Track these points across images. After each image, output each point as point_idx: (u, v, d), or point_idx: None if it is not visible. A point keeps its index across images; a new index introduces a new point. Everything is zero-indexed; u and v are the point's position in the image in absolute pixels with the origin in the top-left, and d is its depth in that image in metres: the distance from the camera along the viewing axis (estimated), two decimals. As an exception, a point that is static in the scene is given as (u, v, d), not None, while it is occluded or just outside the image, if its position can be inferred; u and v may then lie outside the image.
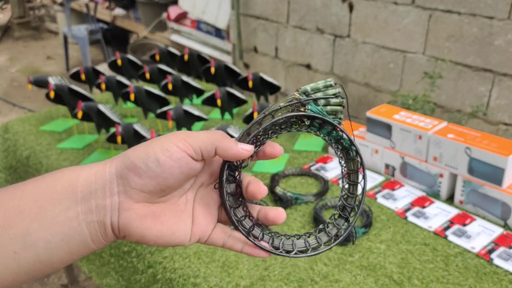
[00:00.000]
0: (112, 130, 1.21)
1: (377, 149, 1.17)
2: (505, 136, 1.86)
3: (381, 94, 2.28)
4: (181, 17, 3.49)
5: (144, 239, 0.40)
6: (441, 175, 1.05)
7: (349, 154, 0.44)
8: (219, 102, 1.32)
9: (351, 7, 2.27)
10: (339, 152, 0.45)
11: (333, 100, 0.43)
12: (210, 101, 1.34)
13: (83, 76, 1.55)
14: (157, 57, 1.68)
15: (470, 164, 1.00)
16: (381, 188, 1.12)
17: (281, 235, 0.46)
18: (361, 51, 2.29)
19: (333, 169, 1.20)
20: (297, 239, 0.46)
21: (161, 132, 1.41)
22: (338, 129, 0.43)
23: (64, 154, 1.32)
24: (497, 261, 0.88)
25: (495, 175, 0.96)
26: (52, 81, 1.40)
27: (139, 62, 1.62)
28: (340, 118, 0.44)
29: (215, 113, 1.52)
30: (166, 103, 1.37)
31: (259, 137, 0.43)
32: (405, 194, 1.09)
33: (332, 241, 0.46)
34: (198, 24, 3.38)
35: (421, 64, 2.07)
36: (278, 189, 1.09)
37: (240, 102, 1.38)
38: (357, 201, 0.46)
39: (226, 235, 0.44)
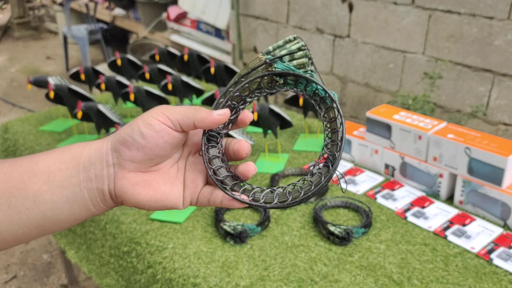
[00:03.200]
0: (112, 130, 1.21)
1: (377, 149, 1.17)
2: (505, 136, 1.86)
3: (381, 94, 2.28)
4: (181, 17, 3.49)
5: (139, 204, 0.46)
6: (440, 175, 1.05)
7: (327, 103, 0.46)
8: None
9: (351, 7, 2.27)
10: (318, 104, 0.46)
11: (298, 54, 0.45)
12: (210, 101, 1.34)
13: (83, 76, 1.55)
14: (157, 57, 1.68)
15: (470, 164, 1.00)
16: (381, 188, 1.12)
17: (264, 189, 0.48)
18: (361, 51, 2.29)
19: (333, 169, 1.20)
20: (281, 190, 0.48)
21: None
22: (309, 79, 0.44)
23: (64, 154, 1.32)
24: (496, 261, 0.88)
25: (494, 175, 0.96)
26: (52, 81, 1.40)
27: (139, 62, 1.62)
28: (311, 71, 0.45)
29: (215, 113, 1.52)
30: (166, 103, 1.37)
31: (235, 103, 0.46)
32: (405, 194, 1.09)
33: (313, 187, 0.46)
34: (198, 24, 3.38)
35: (421, 64, 2.07)
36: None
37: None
38: (337, 149, 0.46)
39: (209, 193, 0.48)
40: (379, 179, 1.16)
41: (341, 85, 2.45)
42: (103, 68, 2.11)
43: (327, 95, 0.45)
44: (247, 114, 0.48)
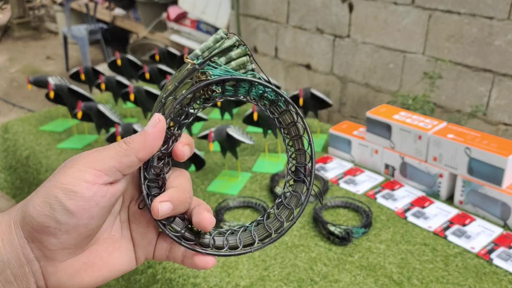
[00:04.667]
0: (112, 130, 1.21)
1: (377, 149, 1.17)
2: (505, 136, 1.86)
3: (381, 94, 2.28)
4: (181, 17, 3.49)
5: (87, 287, 0.36)
6: (440, 175, 1.05)
7: (280, 106, 0.38)
8: (218, 102, 1.32)
9: (351, 7, 2.27)
10: (268, 109, 0.38)
11: (235, 52, 0.36)
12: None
13: (82, 76, 1.55)
14: (157, 57, 1.68)
15: (470, 164, 1.00)
16: (380, 188, 1.12)
17: (236, 230, 0.40)
18: (361, 51, 2.29)
19: (333, 169, 1.20)
20: (256, 226, 0.40)
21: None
22: (255, 82, 0.36)
23: (64, 154, 1.32)
24: (496, 261, 0.88)
25: (494, 175, 0.96)
26: (52, 81, 1.40)
27: (139, 62, 1.62)
28: (252, 70, 0.37)
29: (215, 113, 1.52)
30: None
31: (171, 128, 0.37)
32: (405, 194, 1.09)
33: (295, 212, 0.39)
34: (198, 24, 3.38)
35: (421, 64, 2.07)
36: (278, 189, 1.09)
37: (240, 102, 1.38)
38: (307, 159, 0.38)
39: (167, 250, 0.39)
40: (379, 179, 1.16)
41: (341, 85, 2.45)
42: (103, 68, 2.12)
43: (279, 97, 0.37)
44: (180, 150, 0.37)
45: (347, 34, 2.33)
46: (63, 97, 1.38)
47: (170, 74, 1.50)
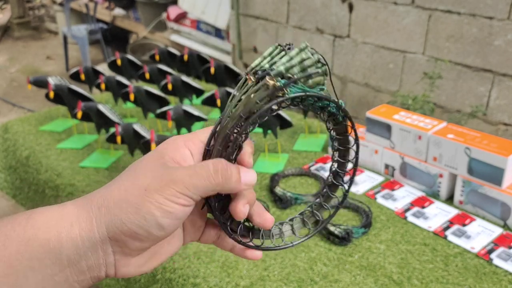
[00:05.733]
0: (112, 130, 1.21)
1: (376, 149, 1.17)
2: (504, 136, 1.86)
3: (381, 94, 2.28)
4: (181, 17, 3.49)
5: (147, 272, 0.41)
6: (440, 175, 1.05)
7: (338, 119, 0.41)
8: (218, 102, 1.32)
9: (351, 7, 2.27)
10: (325, 118, 0.41)
11: (315, 74, 0.38)
12: (210, 101, 1.34)
13: (82, 76, 1.55)
14: (157, 57, 1.68)
15: (470, 164, 1.00)
16: (380, 188, 1.12)
17: (280, 224, 0.44)
18: (361, 51, 2.29)
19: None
20: (293, 223, 0.44)
21: (160, 132, 1.41)
22: (324, 99, 0.38)
23: (64, 154, 1.32)
24: (496, 261, 0.88)
25: (494, 175, 0.96)
26: (52, 81, 1.40)
27: (138, 62, 1.62)
28: (323, 84, 0.39)
29: (215, 113, 1.52)
30: (166, 103, 1.37)
31: (239, 138, 0.39)
32: (405, 194, 1.09)
33: (332, 212, 0.44)
34: (197, 24, 3.38)
35: (421, 64, 2.07)
36: (278, 189, 1.09)
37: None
38: (348, 167, 0.43)
39: (215, 236, 0.43)
40: (379, 179, 1.16)
41: (341, 85, 2.45)
42: (103, 68, 2.12)
43: (339, 112, 0.40)
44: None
45: (347, 34, 2.33)
46: (63, 97, 1.38)
47: (170, 74, 1.50)
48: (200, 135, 0.40)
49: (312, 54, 0.38)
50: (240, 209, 0.39)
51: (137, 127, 1.15)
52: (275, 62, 0.38)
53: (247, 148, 0.41)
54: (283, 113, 1.21)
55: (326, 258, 0.90)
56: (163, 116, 1.24)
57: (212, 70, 1.52)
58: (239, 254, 0.43)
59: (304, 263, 0.89)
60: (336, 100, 0.39)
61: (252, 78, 0.38)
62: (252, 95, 0.37)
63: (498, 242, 0.93)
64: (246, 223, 0.43)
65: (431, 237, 0.96)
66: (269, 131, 1.24)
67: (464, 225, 0.98)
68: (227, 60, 3.11)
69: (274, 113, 0.39)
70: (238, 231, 0.42)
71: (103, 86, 1.45)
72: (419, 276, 0.85)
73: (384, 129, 1.14)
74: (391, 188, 1.11)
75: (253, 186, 0.40)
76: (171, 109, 1.23)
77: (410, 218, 1.01)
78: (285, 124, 1.24)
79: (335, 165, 0.44)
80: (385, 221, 1.01)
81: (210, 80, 1.57)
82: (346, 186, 0.44)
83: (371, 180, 1.15)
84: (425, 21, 2.00)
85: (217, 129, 0.39)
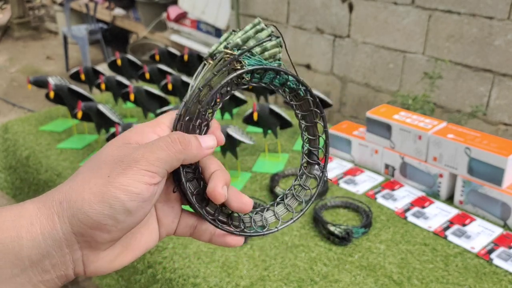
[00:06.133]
0: (112, 130, 1.21)
1: (377, 149, 1.17)
2: (505, 136, 1.86)
3: (381, 94, 2.28)
4: (181, 17, 3.49)
5: (120, 268, 0.38)
6: (440, 175, 1.05)
7: (299, 94, 0.40)
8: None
9: (351, 7, 2.27)
10: (287, 95, 0.41)
11: (270, 44, 0.39)
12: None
13: (83, 76, 1.55)
14: (157, 57, 1.68)
15: (470, 164, 1.00)
16: (380, 188, 1.12)
17: (258, 209, 0.42)
18: (361, 51, 2.29)
19: (333, 169, 1.20)
20: (274, 207, 0.43)
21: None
22: (283, 72, 0.39)
23: (64, 154, 1.32)
24: (496, 261, 0.88)
25: (494, 175, 0.96)
26: (52, 81, 1.40)
27: (139, 62, 1.62)
28: (279, 59, 0.40)
29: (215, 113, 1.52)
30: (166, 103, 1.37)
31: (203, 114, 0.39)
32: (405, 194, 1.09)
33: (315, 190, 0.42)
34: (198, 24, 3.38)
35: (421, 64, 2.07)
36: (278, 189, 1.09)
37: (240, 102, 1.38)
38: (321, 143, 0.42)
39: (192, 227, 0.41)
40: (379, 179, 1.16)
41: (341, 85, 2.45)
42: (103, 68, 2.12)
43: (299, 86, 0.40)
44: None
45: (347, 34, 2.33)
46: (63, 97, 1.38)
47: (170, 74, 1.50)
48: (165, 120, 0.39)
49: (267, 27, 0.39)
50: (219, 191, 0.37)
51: (137, 127, 1.15)
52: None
53: (214, 123, 0.40)
54: (283, 113, 1.21)
55: (326, 258, 0.90)
56: (163, 116, 1.24)
57: (212, 70, 1.52)
58: (219, 242, 0.40)
59: (304, 263, 0.89)
60: (296, 75, 0.39)
61: (210, 61, 0.38)
62: (209, 73, 0.37)
63: (498, 242, 0.93)
64: (224, 208, 0.41)
65: (431, 237, 0.96)
66: (269, 131, 1.24)
67: (464, 225, 0.98)
68: (227, 60, 3.10)
69: (236, 89, 0.38)
70: (215, 215, 0.40)
71: (103, 86, 1.45)
72: (419, 276, 0.85)
73: (384, 129, 1.14)
74: (391, 188, 1.11)
75: (214, 149, 0.38)
76: (171, 109, 1.23)
77: (410, 218, 1.01)
78: (285, 124, 1.24)
79: (307, 144, 0.43)
80: (385, 221, 1.01)
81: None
82: (322, 164, 0.43)
83: (371, 180, 1.15)
84: (425, 21, 2.00)
85: (181, 112, 0.39)
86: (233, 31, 0.40)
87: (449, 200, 1.07)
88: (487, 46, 1.84)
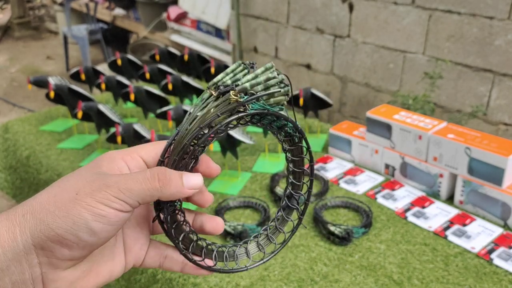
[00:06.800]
0: (112, 130, 1.21)
1: (377, 149, 1.17)
2: (505, 136, 1.86)
3: (381, 94, 2.28)
4: (181, 17, 3.49)
5: None
6: (441, 175, 1.05)
7: (294, 140, 0.41)
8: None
9: (351, 7, 2.27)
10: (282, 138, 0.41)
11: (279, 91, 0.39)
12: (210, 101, 1.34)
13: (83, 76, 1.55)
14: (157, 57, 1.68)
15: (470, 164, 1.00)
16: (381, 188, 1.12)
17: (226, 246, 0.43)
18: (361, 51, 2.29)
19: (333, 169, 1.20)
20: (247, 246, 0.44)
21: (161, 132, 1.41)
22: (283, 118, 0.39)
23: (64, 154, 1.32)
24: (497, 261, 0.88)
25: (495, 175, 0.96)
26: (52, 81, 1.40)
27: (139, 62, 1.62)
28: (282, 105, 0.40)
29: (215, 113, 1.52)
30: (166, 103, 1.37)
31: (198, 151, 0.38)
32: (405, 194, 1.09)
33: (287, 237, 0.44)
34: (198, 24, 3.38)
35: (421, 64, 2.07)
36: (278, 189, 1.09)
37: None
38: (303, 189, 0.42)
39: (161, 256, 0.40)
40: (379, 179, 1.16)
41: (341, 85, 2.45)
42: (103, 68, 2.12)
43: (296, 133, 0.40)
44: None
45: (347, 34, 2.33)
46: (63, 97, 1.38)
47: (170, 74, 1.50)
48: (140, 150, 0.38)
49: (278, 74, 0.38)
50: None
51: (137, 127, 1.15)
52: (237, 79, 0.38)
53: (205, 157, 0.39)
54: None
55: (326, 258, 0.90)
56: (163, 116, 1.24)
57: (212, 70, 1.52)
58: (191, 273, 0.40)
59: (304, 263, 0.89)
60: (294, 121, 0.39)
61: (213, 92, 0.38)
62: (212, 109, 0.37)
63: (498, 242, 0.93)
64: (199, 242, 0.41)
65: (431, 237, 0.96)
66: (269, 131, 1.24)
67: (464, 225, 0.98)
68: (227, 60, 3.11)
69: (231, 130, 0.38)
70: (190, 248, 0.40)
71: (103, 86, 1.46)
72: (419, 276, 0.85)
73: (385, 129, 1.14)
74: (392, 188, 1.11)
75: (198, 189, 0.37)
76: (171, 109, 1.23)
77: (411, 218, 1.01)
78: (285, 124, 1.24)
79: (290, 187, 0.43)
80: (385, 221, 1.01)
81: (210, 80, 1.57)
82: (300, 209, 0.43)
83: (372, 180, 1.15)
84: (425, 21, 2.00)
85: (173, 141, 0.38)
86: (242, 63, 0.39)
87: (449, 200, 1.07)
88: (487, 46, 1.84)
